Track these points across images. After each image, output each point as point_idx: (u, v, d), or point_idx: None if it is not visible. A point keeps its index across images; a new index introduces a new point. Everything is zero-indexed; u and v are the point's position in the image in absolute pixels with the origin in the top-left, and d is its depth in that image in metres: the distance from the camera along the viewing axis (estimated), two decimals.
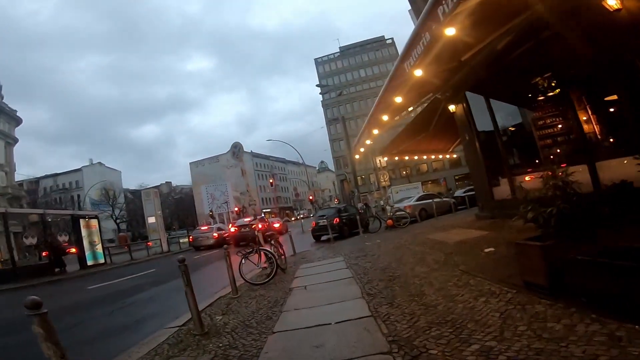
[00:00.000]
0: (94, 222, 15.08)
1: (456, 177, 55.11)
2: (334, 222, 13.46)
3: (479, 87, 8.95)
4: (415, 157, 13.78)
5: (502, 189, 8.76)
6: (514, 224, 7.75)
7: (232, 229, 18.21)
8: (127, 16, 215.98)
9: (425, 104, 11.25)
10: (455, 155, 17.21)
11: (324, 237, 13.71)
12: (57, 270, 13.39)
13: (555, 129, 7.59)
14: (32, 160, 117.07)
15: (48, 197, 74.98)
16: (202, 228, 19.99)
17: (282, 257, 7.84)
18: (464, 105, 9.76)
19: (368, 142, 11.27)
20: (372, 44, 73.30)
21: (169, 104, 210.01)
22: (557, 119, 7.49)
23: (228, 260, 5.54)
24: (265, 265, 6.56)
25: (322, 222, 13.99)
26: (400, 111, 9.81)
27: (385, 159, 14.69)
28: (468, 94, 9.55)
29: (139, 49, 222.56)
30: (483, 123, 9.43)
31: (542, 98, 7.71)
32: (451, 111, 10.17)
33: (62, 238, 14.16)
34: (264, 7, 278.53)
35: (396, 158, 12.84)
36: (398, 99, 8.09)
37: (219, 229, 19.44)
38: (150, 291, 8.00)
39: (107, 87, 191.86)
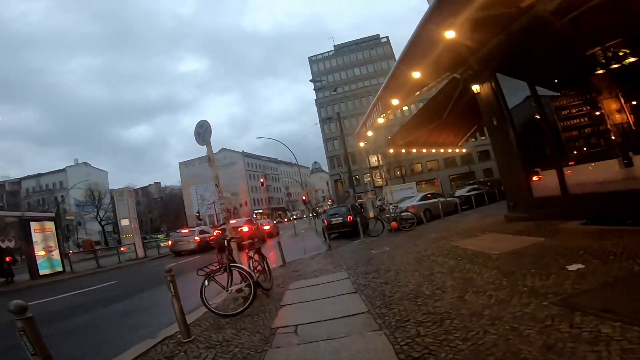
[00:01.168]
0: (50, 224, 12.91)
1: (451, 177, 53.82)
2: (348, 219, 13.10)
3: (515, 61, 7.15)
4: (424, 150, 12.04)
5: (546, 184, 6.95)
6: (568, 227, 6.06)
7: (216, 232, 16.17)
8: (120, 17, 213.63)
9: (438, 89, 9.53)
10: (464, 150, 15.47)
11: (333, 235, 12.72)
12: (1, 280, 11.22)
13: (621, 108, 5.82)
14: (21, 162, 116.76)
15: (30, 198, 71.99)
16: (183, 231, 17.87)
17: (266, 273, 5.92)
18: (492, 84, 7.97)
19: (370, 133, 9.41)
20: (367, 43, 72.09)
21: (161, 105, 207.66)
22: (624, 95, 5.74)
23: (172, 288, 3.55)
24: (240, 288, 4.61)
25: (335, 220, 13.62)
26: (413, 91, 7.97)
27: (376, 157, 13.35)
28: (501, 76, 7.75)
29: (131, 50, 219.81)
30: (519, 104, 7.64)
31: (601, 72, 5.95)
32: (475, 92, 8.37)
33: (7, 244, 11.96)
34: (257, 9, 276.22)
35: (403, 151, 11.08)
36: (416, 74, 6.30)
37: (201, 232, 17.36)
38: (89, 315, 5.98)
39: (99, 88, 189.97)
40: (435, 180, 55.20)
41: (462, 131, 12.45)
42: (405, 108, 57.91)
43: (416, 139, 11.16)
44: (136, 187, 76.50)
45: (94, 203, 58.14)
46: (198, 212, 38.51)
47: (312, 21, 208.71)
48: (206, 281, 4.42)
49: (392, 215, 11.63)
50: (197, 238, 16.61)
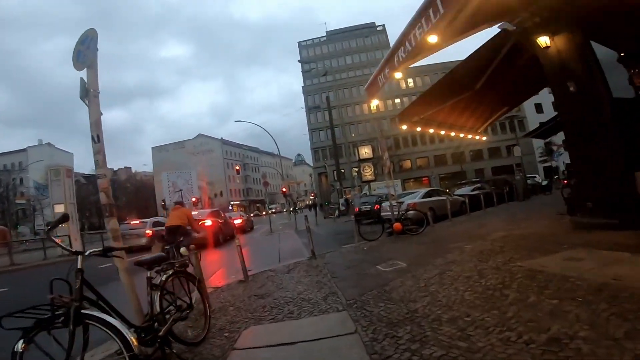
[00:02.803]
0: None
1: (441, 176, 52.11)
2: (375, 208, 13.58)
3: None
4: (442, 132, 9.48)
5: None
6: None
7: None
8: None
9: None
10: (484, 138, 13.06)
11: (365, 222, 12.23)
12: None
13: None
14: None
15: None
16: (132, 222, 14.67)
17: (201, 308, 3.17)
18: (573, 35, 5.45)
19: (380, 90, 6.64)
20: (361, 30, 69.25)
21: (138, 90, 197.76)
22: None
23: None
24: None
25: (365, 207, 15.46)
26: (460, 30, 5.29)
27: (366, 149, 10.87)
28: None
29: (111, 32, 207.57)
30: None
31: None
32: (542, 46, 5.81)
33: None
34: None
35: (418, 129, 8.48)
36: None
37: (155, 223, 14.22)
38: None
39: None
40: (424, 178, 53.62)
41: (488, 112, 9.96)
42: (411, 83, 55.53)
43: (434, 116, 8.55)
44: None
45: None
46: (163, 201, 34.93)
47: (303, 13, 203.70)
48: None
49: (396, 214, 9.01)
50: (148, 231, 13.50)
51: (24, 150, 66.62)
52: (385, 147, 9.86)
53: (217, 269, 7.76)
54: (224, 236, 13.81)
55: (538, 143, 51.64)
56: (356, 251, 7.13)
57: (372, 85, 5.53)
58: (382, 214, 10.88)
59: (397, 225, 8.47)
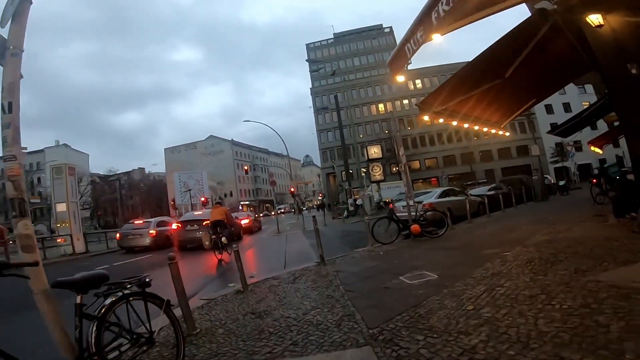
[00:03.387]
0: None
1: (450, 177, 50.70)
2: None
3: None
4: (465, 126, 8.45)
5: None
6: None
7: (175, 226, 12.39)
8: (117, 4, 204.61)
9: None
10: (507, 134, 12.04)
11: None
12: None
13: None
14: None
15: (4, 179, 66.52)
16: (136, 222, 14.01)
17: (144, 347, 2.29)
18: (629, 12, 4.49)
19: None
20: (368, 32, 68.74)
21: (152, 93, 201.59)
22: None
23: None
24: None
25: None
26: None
27: (375, 149, 9.80)
28: None
29: (126, 37, 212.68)
30: None
31: None
32: (593, 25, 4.86)
33: None
34: (256, 1, 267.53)
35: (441, 120, 7.50)
36: None
37: (159, 223, 13.52)
38: None
39: (90, 73, 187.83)
40: (432, 179, 52.24)
41: (515, 104, 8.93)
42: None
43: (459, 107, 7.54)
44: (118, 172, 71.80)
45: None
46: (173, 200, 34.46)
47: (311, 16, 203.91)
48: None
49: (413, 214, 8.06)
50: (152, 231, 12.79)
51: (41, 151, 67.46)
52: (400, 142, 8.91)
53: (216, 275, 6.93)
54: (231, 237, 13.12)
55: (549, 144, 50.22)
56: (371, 256, 6.21)
57: (398, 58, 4.59)
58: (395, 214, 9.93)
59: (415, 227, 7.52)
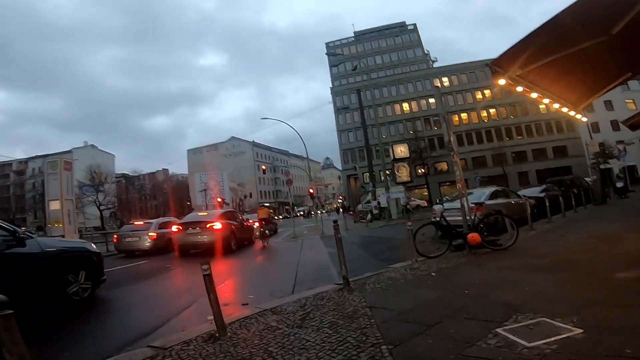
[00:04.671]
0: None
1: (482, 179, 47.47)
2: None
3: None
4: (545, 101, 6.32)
5: None
6: None
7: (175, 228, 10.82)
8: (146, 11, 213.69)
9: None
10: (584, 119, 9.81)
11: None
12: None
13: None
14: (45, 146, 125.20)
15: (35, 178, 68.88)
16: (136, 223, 12.65)
17: None
18: None
19: None
20: (390, 30, 66.11)
21: (181, 97, 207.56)
22: None
23: None
24: None
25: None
26: None
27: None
28: None
29: (156, 43, 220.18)
30: None
31: None
32: None
33: None
34: (277, 6, 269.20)
35: (519, 89, 5.44)
36: None
37: (161, 225, 12.06)
38: None
39: (122, 78, 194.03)
40: (461, 181, 48.95)
41: (606, 75, 6.77)
42: None
43: (540, 76, 5.49)
44: (143, 172, 72.66)
45: (92, 186, 53.77)
46: (188, 201, 33.56)
47: (331, 20, 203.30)
48: None
49: (470, 219, 6.02)
50: (152, 233, 11.34)
51: (69, 151, 69.38)
52: (451, 124, 6.92)
53: (197, 298, 4.98)
54: (239, 242, 11.44)
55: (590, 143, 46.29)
56: (419, 278, 4.34)
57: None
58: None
59: (473, 237, 5.56)
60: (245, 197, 65.39)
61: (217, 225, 10.20)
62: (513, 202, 9.64)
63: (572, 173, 31.53)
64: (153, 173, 78.28)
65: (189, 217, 11.56)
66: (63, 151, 69.97)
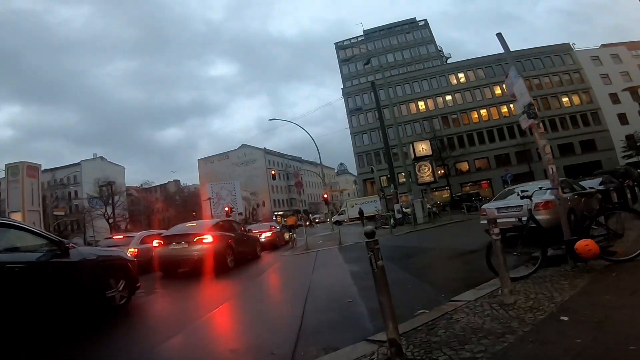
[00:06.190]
0: None
1: (504, 178, 44.39)
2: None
3: None
4: None
5: None
6: None
7: (156, 243, 8.92)
8: (154, 23, 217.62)
9: None
10: None
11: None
12: None
13: None
14: (59, 159, 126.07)
15: (45, 191, 69.25)
16: (115, 237, 10.83)
17: None
18: None
19: None
20: (401, 27, 64.19)
21: (191, 108, 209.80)
22: None
23: None
24: None
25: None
26: None
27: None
28: None
29: (164, 55, 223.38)
30: None
31: None
32: None
33: None
34: (283, 14, 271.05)
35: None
36: None
37: (144, 239, 10.17)
38: None
39: (133, 91, 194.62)
40: (483, 182, 46.04)
41: None
42: None
43: None
44: (154, 184, 72.15)
45: (101, 199, 53.35)
46: (194, 212, 32.13)
47: (337, 26, 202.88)
48: None
49: (581, 221, 3.90)
50: (132, 249, 9.46)
51: (78, 164, 69.72)
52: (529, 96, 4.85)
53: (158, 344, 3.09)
54: (239, 257, 9.40)
55: (618, 136, 42.90)
56: (538, 327, 2.22)
57: None
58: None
59: (588, 244, 3.41)
60: (258, 205, 63.87)
61: (208, 238, 8.17)
62: (595, 196, 7.46)
63: (602, 167, 28.74)
64: (164, 184, 77.78)
65: (174, 229, 9.62)
66: (72, 164, 70.42)
